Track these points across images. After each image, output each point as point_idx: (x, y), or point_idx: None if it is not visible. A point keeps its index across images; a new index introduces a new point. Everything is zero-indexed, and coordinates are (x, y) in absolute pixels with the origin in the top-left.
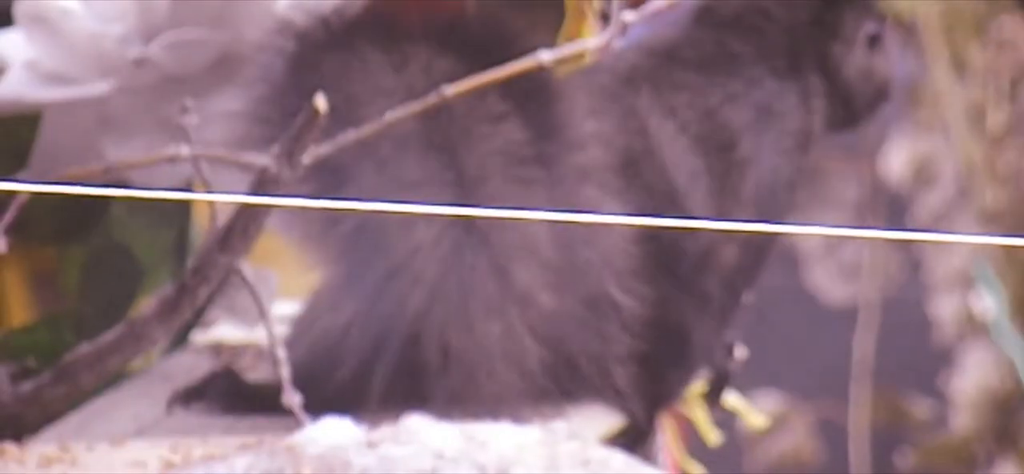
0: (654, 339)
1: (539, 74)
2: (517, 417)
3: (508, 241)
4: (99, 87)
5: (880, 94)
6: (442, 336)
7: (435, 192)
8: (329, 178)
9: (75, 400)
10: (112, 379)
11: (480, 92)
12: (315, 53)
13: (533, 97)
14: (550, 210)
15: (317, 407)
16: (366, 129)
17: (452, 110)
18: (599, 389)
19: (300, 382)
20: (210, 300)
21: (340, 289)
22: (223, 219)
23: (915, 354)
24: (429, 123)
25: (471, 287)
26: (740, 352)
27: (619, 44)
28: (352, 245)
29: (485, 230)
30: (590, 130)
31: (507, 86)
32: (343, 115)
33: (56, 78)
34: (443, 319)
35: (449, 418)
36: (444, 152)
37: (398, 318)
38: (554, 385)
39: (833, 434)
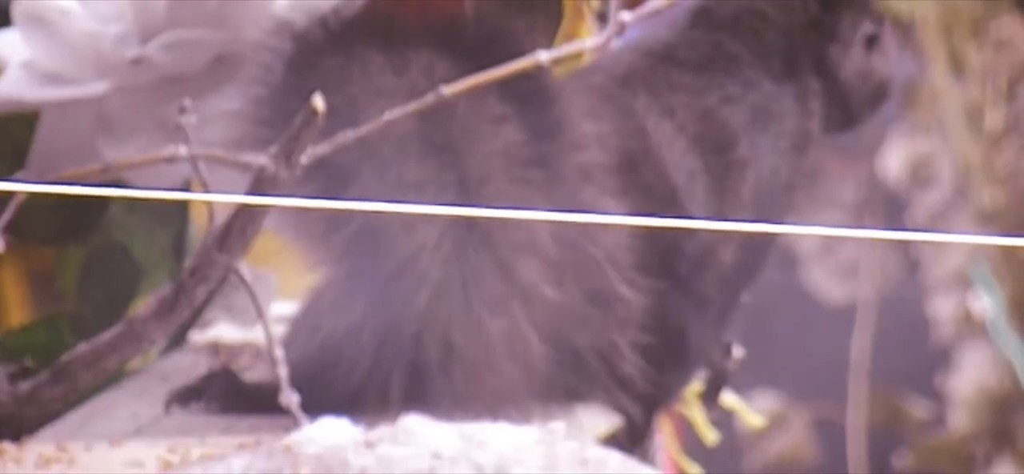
0: (653, 338)
1: (537, 74)
2: (523, 414)
3: (511, 238)
4: (97, 87)
5: (878, 94)
6: (447, 334)
7: (437, 193)
8: (331, 179)
9: (73, 400)
10: (110, 379)
11: (480, 93)
12: (314, 54)
13: (532, 98)
14: (550, 210)
15: (328, 409)
16: (364, 129)
17: (453, 111)
18: (605, 383)
19: (308, 384)
20: (208, 300)
21: (345, 291)
22: (221, 219)
23: (913, 354)
24: (430, 124)
25: (475, 285)
26: (738, 352)
27: (616, 44)
28: (355, 246)
29: (488, 228)
30: (589, 130)
31: (506, 87)
32: (343, 116)
33: (54, 78)
34: (448, 317)
35: (455, 416)
36: (446, 153)
37: (404, 318)
38: (559, 380)
39: (831, 434)
